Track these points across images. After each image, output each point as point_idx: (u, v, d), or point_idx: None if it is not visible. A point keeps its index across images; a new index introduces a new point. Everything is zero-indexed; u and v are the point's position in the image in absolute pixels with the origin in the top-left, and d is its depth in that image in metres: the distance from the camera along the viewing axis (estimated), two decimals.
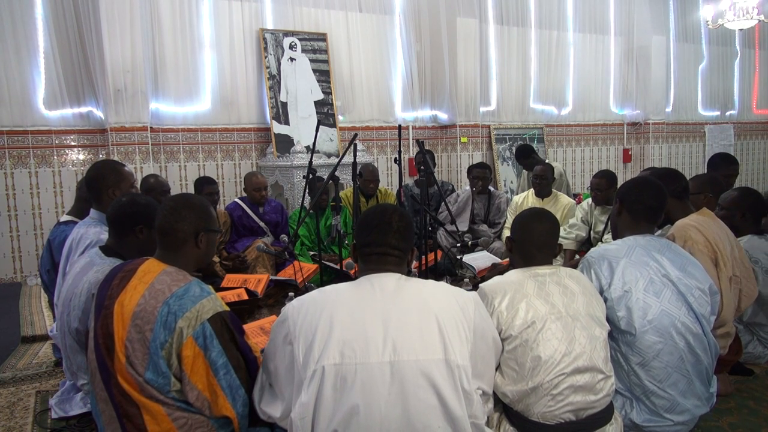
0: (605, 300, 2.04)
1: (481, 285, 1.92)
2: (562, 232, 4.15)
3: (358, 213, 3.59)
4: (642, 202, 2.21)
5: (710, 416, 2.26)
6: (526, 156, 5.59)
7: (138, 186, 3.50)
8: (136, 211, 2.19)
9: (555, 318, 1.78)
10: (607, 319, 2.03)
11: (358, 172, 3.92)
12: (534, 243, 1.95)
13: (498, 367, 1.80)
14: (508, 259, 4.03)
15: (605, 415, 1.80)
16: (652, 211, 2.22)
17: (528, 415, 1.76)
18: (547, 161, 5.65)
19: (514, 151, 6.67)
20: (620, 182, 2.97)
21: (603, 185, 4.01)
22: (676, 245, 2.24)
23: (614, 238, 2.36)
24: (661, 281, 2.04)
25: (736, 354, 2.59)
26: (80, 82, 5.22)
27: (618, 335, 2.05)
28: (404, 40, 6.84)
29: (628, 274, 2.04)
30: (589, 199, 4.25)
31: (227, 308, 1.73)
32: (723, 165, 3.94)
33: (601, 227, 4.09)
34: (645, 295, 2.01)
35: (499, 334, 1.78)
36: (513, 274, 1.93)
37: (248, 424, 1.72)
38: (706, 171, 4.23)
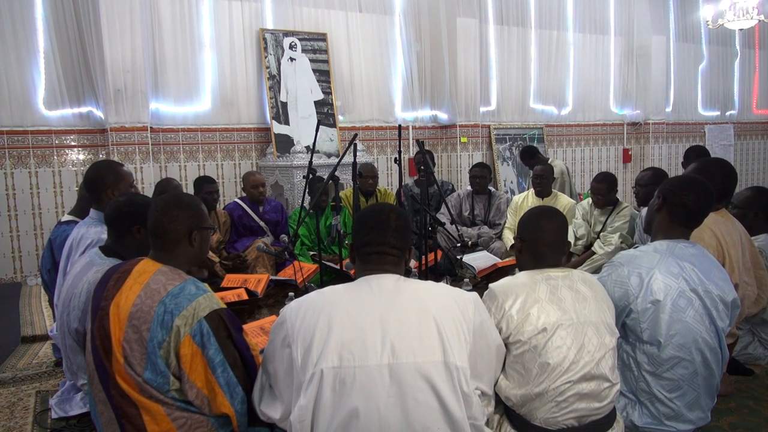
0: (630, 311, 1.99)
1: (491, 286, 1.87)
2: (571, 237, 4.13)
3: None
4: (685, 206, 2.07)
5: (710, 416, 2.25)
6: (531, 157, 5.64)
7: (138, 186, 3.51)
8: (133, 211, 2.18)
9: (566, 325, 1.73)
10: (629, 329, 2.00)
11: (357, 172, 3.92)
12: (544, 241, 1.88)
13: (503, 370, 1.78)
14: (508, 259, 4.03)
15: (608, 420, 1.79)
16: (693, 216, 2.09)
17: (530, 419, 1.75)
18: (549, 160, 5.67)
19: (518, 152, 6.68)
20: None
21: (603, 190, 3.98)
22: (708, 252, 2.12)
23: (645, 230, 2.28)
24: (688, 296, 1.97)
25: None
26: (80, 82, 5.22)
27: (636, 342, 2.01)
28: (404, 40, 6.84)
29: (657, 286, 1.96)
30: (589, 199, 4.23)
31: (224, 306, 1.72)
32: (695, 159, 3.94)
33: (599, 227, 4.08)
34: (672, 310, 1.95)
35: (508, 337, 1.75)
36: (524, 276, 1.86)
37: (248, 424, 1.72)
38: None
